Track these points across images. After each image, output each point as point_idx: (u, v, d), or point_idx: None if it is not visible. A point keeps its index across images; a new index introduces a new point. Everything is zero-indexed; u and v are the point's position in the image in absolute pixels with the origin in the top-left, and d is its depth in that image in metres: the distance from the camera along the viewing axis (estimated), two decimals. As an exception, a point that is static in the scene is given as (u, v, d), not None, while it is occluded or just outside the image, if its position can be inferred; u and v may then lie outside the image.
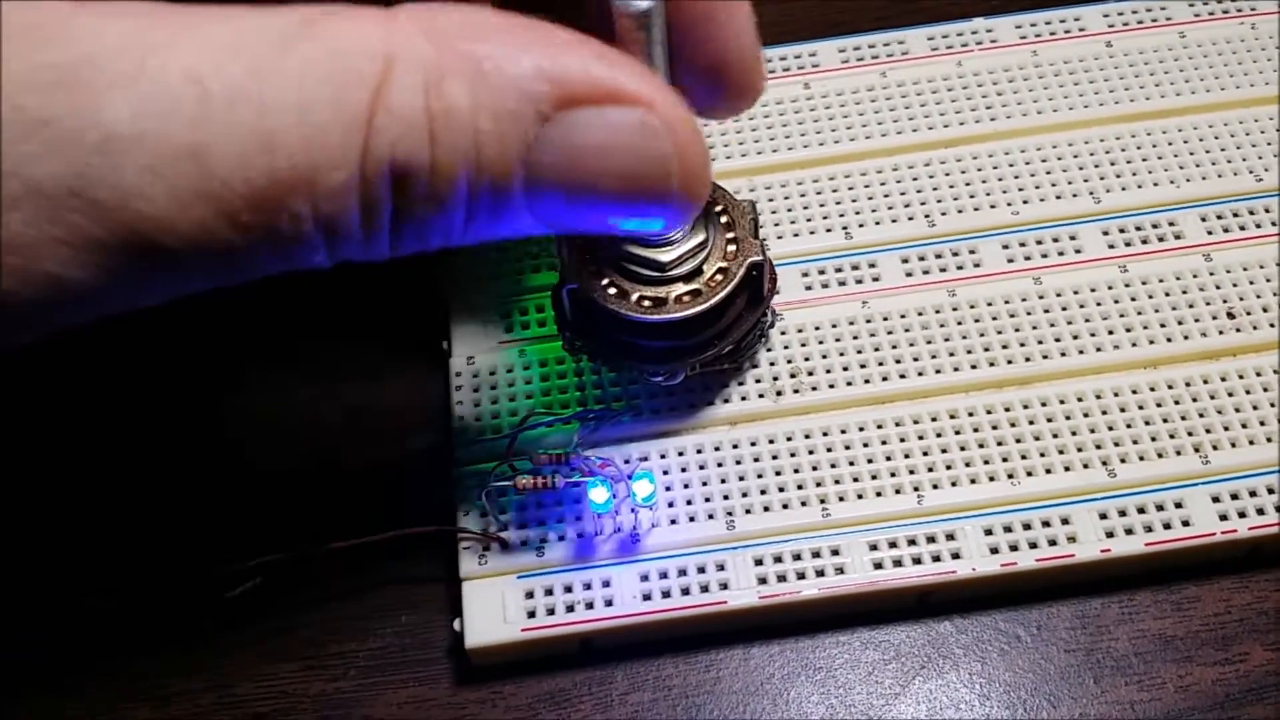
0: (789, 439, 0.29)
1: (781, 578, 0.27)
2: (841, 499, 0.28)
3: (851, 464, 0.28)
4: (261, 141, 0.17)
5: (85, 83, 0.16)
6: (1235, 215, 0.31)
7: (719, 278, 0.26)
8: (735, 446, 0.28)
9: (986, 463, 0.28)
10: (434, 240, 0.19)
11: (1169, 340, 0.29)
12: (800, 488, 0.28)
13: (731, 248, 0.27)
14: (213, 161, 0.17)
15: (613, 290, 0.26)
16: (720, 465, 0.28)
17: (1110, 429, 0.28)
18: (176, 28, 0.17)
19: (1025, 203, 0.32)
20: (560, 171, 0.19)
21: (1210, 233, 0.31)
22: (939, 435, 0.28)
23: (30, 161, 0.16)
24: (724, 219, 0.27)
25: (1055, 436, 0.28)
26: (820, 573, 0.27)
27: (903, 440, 0.28)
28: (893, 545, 0.27)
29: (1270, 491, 0.27)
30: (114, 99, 0.16)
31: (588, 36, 0.19)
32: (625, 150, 0.19)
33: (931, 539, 0.27)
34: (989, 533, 0.27)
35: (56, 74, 0.16)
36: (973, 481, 0.28)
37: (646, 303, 0.26)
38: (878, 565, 0.27)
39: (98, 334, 0.20)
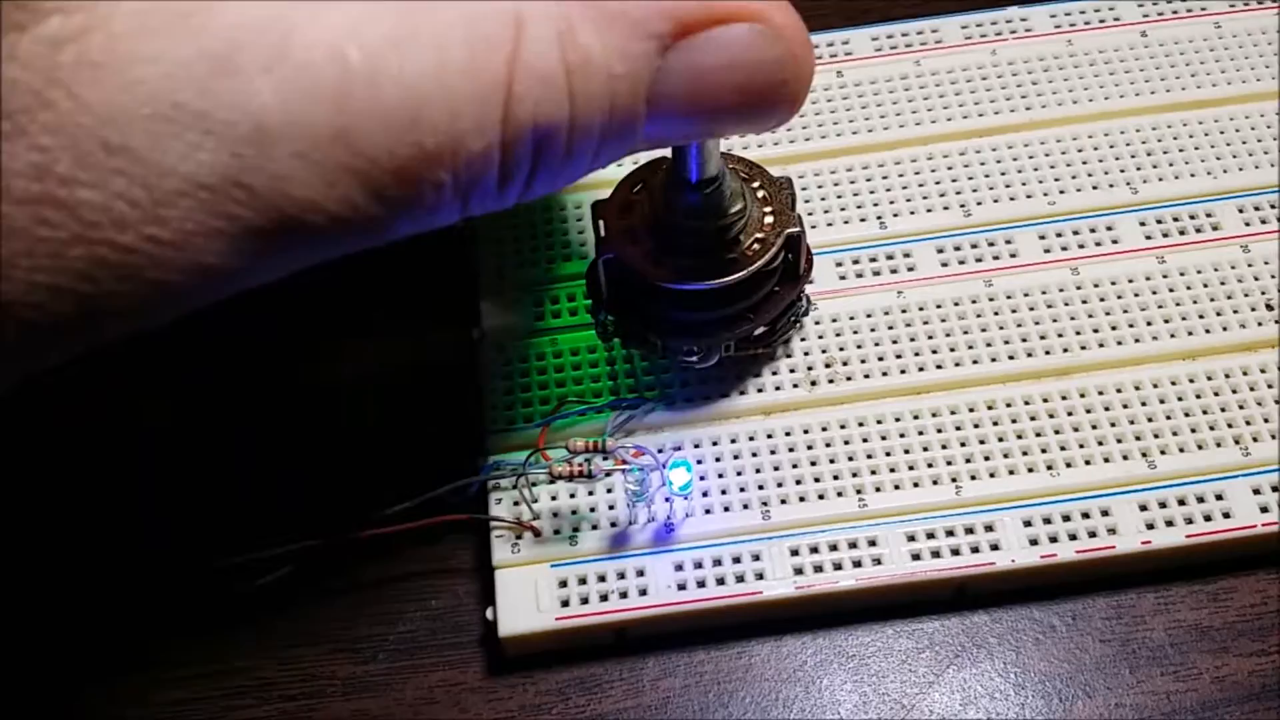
0: (824, 429, 0.28)
1: (818, 568, 0.27)
2: (878, 489, 0.27)
3: (888, 454, 0.28)
4: (406, 118, 0.17)
5: (235, 70, 0.16)
6: (1273, 207, 0.31)
7: (756, 247, 0.26)
8: (770, 436, 0.28)
9: (1025, 454, 0.28)
10: (562, 183, 0.20)
11: (1208, 332, 0.29)
12: (836, 478, 0.28)
13: (769, 220, 0.27)
14: (359, 142, 0.17)
15: (650, 261, 0.26)
16: (755, 455, 0.28)
17: (1150, 420, 0.28)
18: (314, 3, 0.17)
19: (1062, 193, 0.31)
20: (684, 97, 0.19)
21: (1248, 224, 0.31)
22: (976, 426, 0.28)
23: (187, 156, 0.16)
24: (761, 193, 0.27)
25: (1094, 428, 0.28)
26: (857, 563, 0.27)
27: (940, 431, 0.28)
28: (930, 536, 0.27)
29: (1311, 484, 0.27)
30: (262, 85, 0.16)
31: None
32: (744, 65, 0.20)
33: (970, 530, 0.27)
34: (1028, 524, 0.27)
35: (208, 65, 0.16)
36: (1011, 473, 0.27)
37: (684, 270, 0.26)
38: (915, 556, 0.27)
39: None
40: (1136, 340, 0.29)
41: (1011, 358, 0.29)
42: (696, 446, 0.28)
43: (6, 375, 0.17)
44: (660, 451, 0.28)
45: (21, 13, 0.16)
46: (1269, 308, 0.29)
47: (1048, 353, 0.29)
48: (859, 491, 0.27)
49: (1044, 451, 0.28)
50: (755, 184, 0.27)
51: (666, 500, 0.27)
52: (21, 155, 0.15)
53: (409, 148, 0.17)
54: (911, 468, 0.28)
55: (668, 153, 0.26)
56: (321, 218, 0.17)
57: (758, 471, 0.28)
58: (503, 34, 0.17)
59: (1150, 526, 0.27)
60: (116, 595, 0.28)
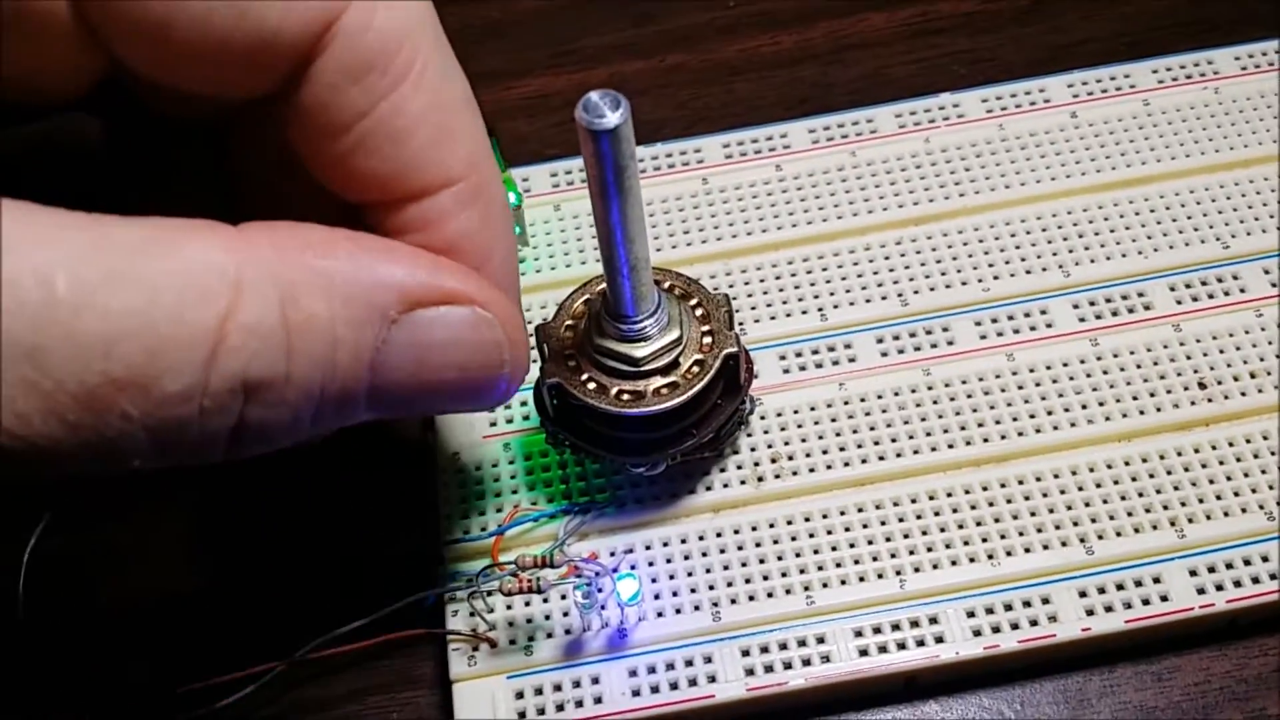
0: (771, 525, 0.29)
1: (769, 668, 0.27)
2: (825, 585, 0.28)
3: (834, 549, 0.28)
4: (100, 348, 0.17)
5: None
6: (1204, 284, 0.32)
7: (695, 370, 0.27)
8: (719, 535, 0.29)
9: (966, 544, 0.28)
10: (272, 444, 0.20)
11: (1141, 413, 0.30)
12: (784, 575, 0.28)
13: (707, 340, 0.27)
14: (48, 362, 0.17)
15: (592, 385, 0.27)
16: (705, 555, 0.29)
17: (1087, 505, 0.29)
18: (41, 230, 0.17)
19: (996, 278, 0.32)
20: (405, 368, 0.21)
21: (1179, 302, 0.31)
22: (919, 517, 0.29)
23: None
24: (699, 311, 0.28)
25: (1033, 515, 0.29)
26: (806, 661, 0.27)
27: (883, 523, 0.29)
28: (877, 631, 0.27)
29: (1247, 563, 0.28)
30: None
31: (418, 249, 0.22)
32: (464, 344, 0.22)
33: (915, 623, 0.27)
34: (971, 614, 0.27)
35: None
36: (953, 563, 0.28)
37: (625, 396, 0.27)
38: (863, 652, 0.27)
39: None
40: (1072, 424, 0.30)
41: (951, 446, 0.30)
42: (648, 548, 0.29)
43: None
44: (612, 555, 0.29)
45: None
46: (1201, 386, 0.30)
47: (986, 440, 0.30)
48: (806, 588, 0.28)
49: (984, 541, 0.28)
50: (693, 301, 0.28)
51: (619, 606, 0.28)
52: None
53: (97, 376, 0.17)
54: (857, 562, 0.28)
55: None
56: (12, 440, 0.17)
57: (708, 571, 0.28)
58: (220, 287, 0.18)
59: (1090, 613, 0.27)
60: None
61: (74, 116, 0.23)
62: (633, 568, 0.28)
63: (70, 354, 0.17)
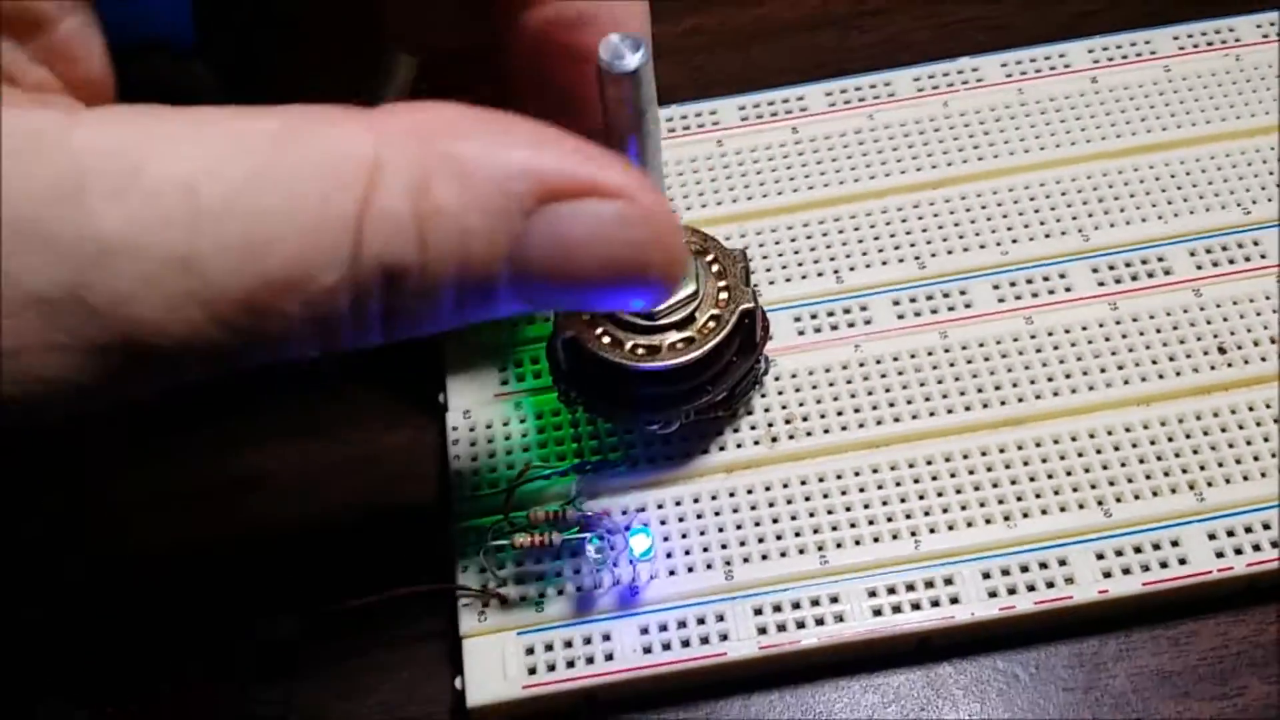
0: (785, 485, 0.29)
1: (781, 627, 0.27)
2: (839, 545, 0.28)
3: (848, 510, 0.28)
4: (254, 249, 0.17)
5: (82, 195, 0.17)
6: (1224, 249, 0.31)
7: (711, 325, 0.27)
8: (732, 495, 0.29)
9: (982, 505, 0.28)
10: (425, 328, 0.20)
11: (1161, 377, 0.29)
12: (798, 535, 0.28)
13: (724, 295, 0.27)
14: (206, 269, 0.17)
15: (607, 339, 0.27)
16: (718, 514, 0.28)
17: (1105, 468, 0.28)
18: (172, 134, 0.18)
19: (1014, 242, 0.32)
20: (545, 263, 0.19)
21: (1199, 267, 0.31)
22: (934, 479, 0.28)
23: (32, 271, 0.17)
24: (715, 267, 0.28)
25: (1050, 477, 0.28)
26: (820, 621, 0.27)
27: (898, 484, 0.28)
28: (891, 591, 0.27)
29: (1266, 527, 0.27)
30: (107, 211, 0.17)
31: (565, 131, 0.20)
32: (606, 241, 0.20)
33: (930, 584, 0.27)
34: (987, 576, 0.27)
35: (55, 188, 0.17)
36: (969, 525, 0.28)
37: (640, 351, 0.26)
38: (877, 612, 0.27)
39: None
40: (1091, 388, 0.29)
41: (968, 409, 0.29)
42: (660, 507, 0.29)
43: None
44: (624, 514, 0.28)
45: None
46: (1221, 350, 0.30)
47: (1003, 403, 0.29)
48: (820, 548, 0.28)
49: (1001, 503, 0.28)
50: (709, 257, 0.28)
51: (631, 563, 0.27)
52: None
53: (255, 278, 0.17)
54: (871, 522, 0.28)
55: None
56: (167, 341, 0.17)
57: (720, 531, 0.28)
58: (358, 173, 0.18)
59: (1107, 575, 0.27)
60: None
61: (175, 58, 0.22)
62: (644, 524, 0.28)
63: (225, 260, 0.17)
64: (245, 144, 0.18)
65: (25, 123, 0.17)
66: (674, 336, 0.27)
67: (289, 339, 0.18)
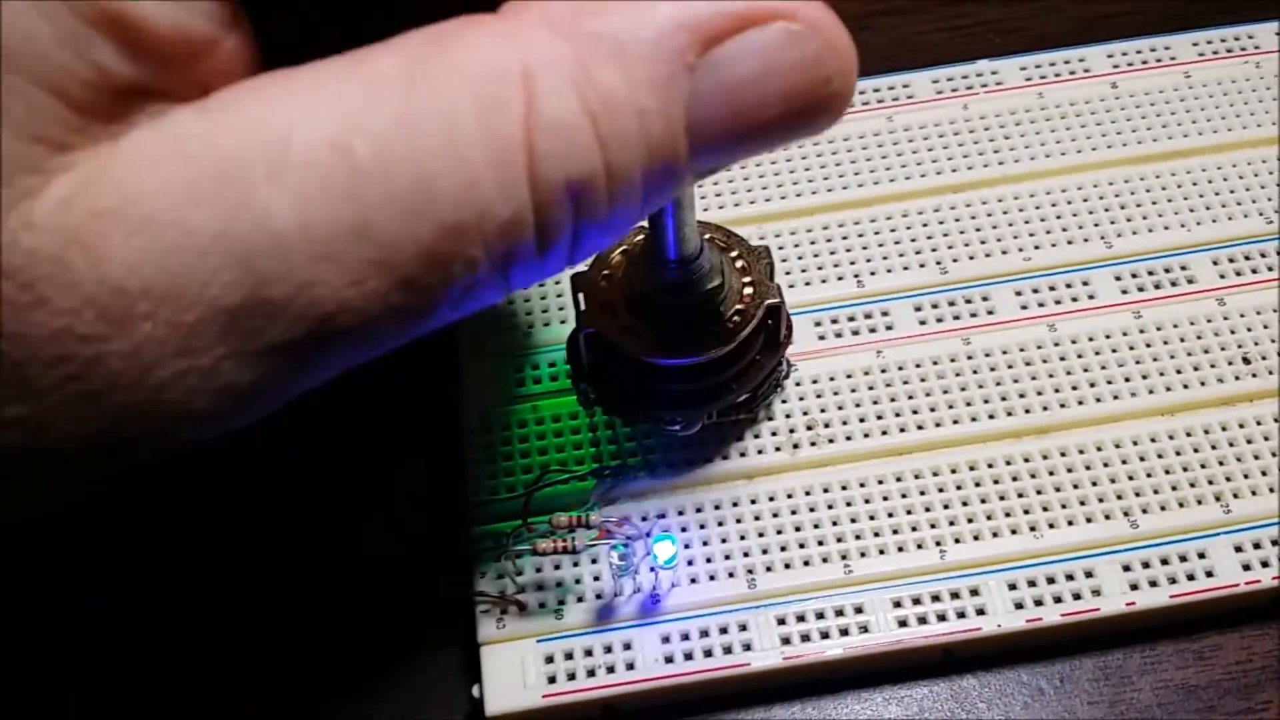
0: (808, 493, 0.28)
1: (805, 637, 0.27)
2: (863, 554, 0.27)
3: (872, 518, 0.28)
4: (422, 198, 0.16)
5: (241, 183, 0.16)
6: (1247, 258, 0.31)
7: (736, 319, 0.26)
8: (754, 501, 0.28)
9: (1008, 515, 0.28)
10: (615, 235, 0.18)
11: (1185, 387, 0.29)
12: (821, 544, 0.28)
13: (748, 291, 0.27)
14: (379, 232, 0.16)
15: (630, 334, 0.26)
16: (739, 521, 0.28)
17: (1130, 479, 0.28)
18: (303, 97, 0.16)
19: (1037, 248, 0.31)
20: (726, 117, 0.18)
21: (1223, 276, 0.31)
22: (959, 488, 0.28)
23: (209, 282, 0.16)
24: (740, 264, 0.27)
25: (1076, 487, 0.28)
26: (844, 631, 0.27)
27: (923, 493, 0.28)
28: (916, 602, 0.27)
29: (1292, 540, 0.27)
30: (270, 193, 0.16)
31: None
32: (782, 70, 0.18)
33: (955, 595, 0.27)
34: (1013, 587, 0.27)
35: (212, 183, 0.16)
36: (994, 535, 0.27)
37: (664, 345, 0.26)
38: (902, 623, 0.27)
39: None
40: (1115, 397, 0.29)
41: (991, 417, 0.29)
42: (680, 514, 0.28)
43: (38, 506, 0.17)
44: (644, 520, 0.28)
45: (31, 177, 0.15)
46: (1245, 361, 0.29)
47: (1027, 411, 0.29)
48: (844, 557, 0.27)
49: (1026, 513, 0.28)
50: (734, 253, 0.27)
51: (652, 571, 0.27)
52: (45, 323, 0.15)
53: (430, 228, 0.16)
54: (895, 532, 0.28)
55: (646, 224, 0.26)
56: (353, 318, 0.16)
57: (742, 538, 0.28)
58: (512, 94, 0.16)
59: (1134, 587, 0.27)
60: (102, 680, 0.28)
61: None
62: (667, 531, 0.28)
63: (395, 216, 0.16)
64: (377, 90, 0.16)
65: (170, 128, 0.16)
66: (699, 331, 0.26)
67: (478, 286, 0.17)
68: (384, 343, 0.17)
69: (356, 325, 0.17)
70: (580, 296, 0.27)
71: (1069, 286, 0.31)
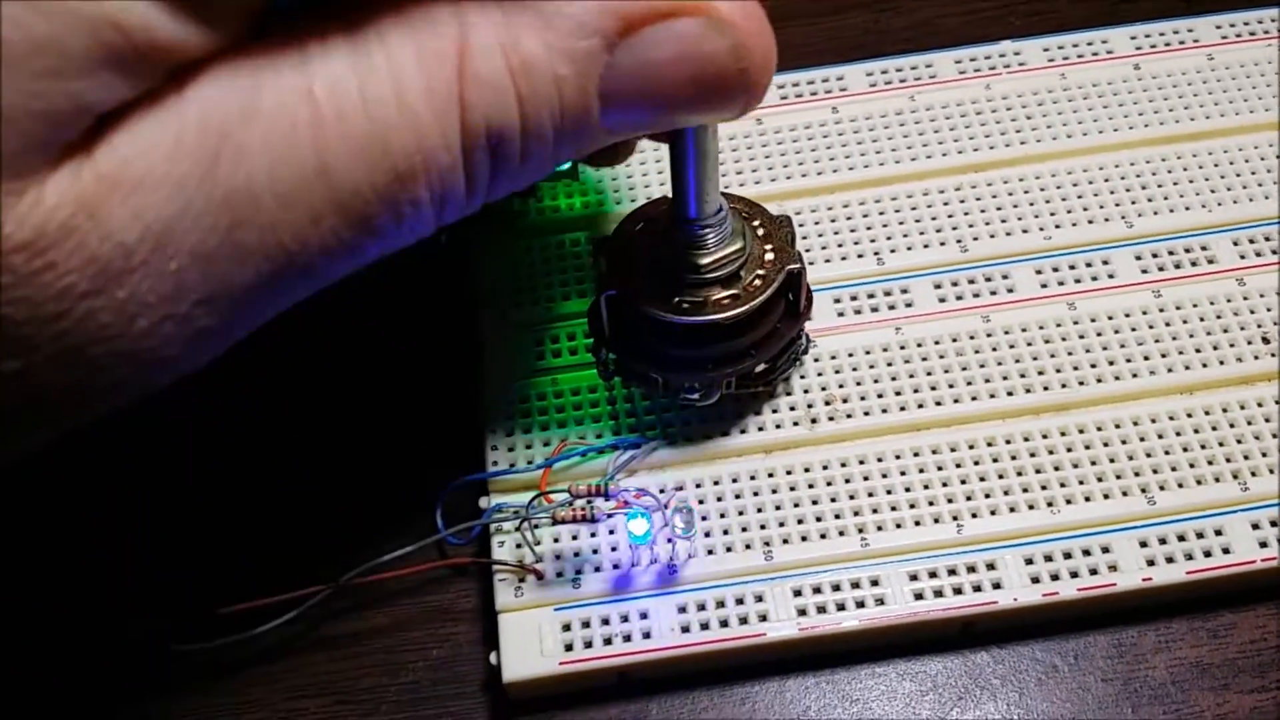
0: (825, 467, 0.28)
1: (821, 609, 0.27)
2: (880, 528, 0.27)
3: (889, 492, 0.28)
4: (378, 147, 0.18)
5: (220, 127, 0.17)
6: (1268, 239, 0.31)
7: (758, 284, 0.26)
8: (771, 475, 0.28)
9: (1025, 490, 0.28)
10: (525, 181, 0.20)
11: (1204, 366, 0.29)
12: (838, 517, 0.28)
13: (769, 257, 0.27)
14: (339, 176, 0.18)
15: (652, 294, 0.26)
16: (756, 494, 0.28)
17: (1149, 456, 0.28)
18: (277, 52, 0.18)
19: (1057, 227, 0.31)
20: (635, 92, 0.20)
21: (1243, 257, 0.31)
22: (976, 463, 0.28)
23: (190, 230, 0.17)
24: (761, 231, 0.27)
25: (1094, 464, 0.28)
26: (860, 604, 0.27)
27: (940, 468, 0.28)
28: (933, 575, 0.27)
29: (1310, 518, 0.27)
30: (246, 137, 0.17)
31: None
32: (694, 57, 0.20)
33: (972, 569, 0.27)
34: (1030, 562, 0.27)
35: (193, 138, 0.17)
36: (1012, 510, 0.28)
37: (686, 305, 0.26)
38: (918, 596, 0.27)
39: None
40: (1134, 375, 0.29)
41: (1010, 394, 0.29)
42: (698, 486, 0.28)
43: (32, 442, 0.19)
44: (662, 491, 0.28)
45: (50, 152, 0.16)
46: (1265, 340, 0.29)
47: (1046, 388, 0.29)
48: (861, 530, 0.27)
49: (1044, 488, 0.28)
50: (755, 222, 0.27)
51: (670, 541, 0.27)
52: (51, 284, 0.17)
53: (385, 174, 0.18)
54: (913, 506, 0.28)
55: (669, 190, 0.26)
56: (311, 255, 0.18)
57: (759, 511, 0.28)
58: (449, 49, 0.18)
59: (1151, 563, 0.27)
60: (118, 644, 0.28)
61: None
62: (685, 502, 0.28)
63: (354, 161, 0.18)
64: (334, 46, 0.18)
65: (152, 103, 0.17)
66: (720, 292, 0.26)
67: (418, 224, 0.19)
68: (327, 278, 0.19)
69: (312, 262, 0.18)
70: (601, 260, 0.27)
71: (1089, 265, 0.31)
